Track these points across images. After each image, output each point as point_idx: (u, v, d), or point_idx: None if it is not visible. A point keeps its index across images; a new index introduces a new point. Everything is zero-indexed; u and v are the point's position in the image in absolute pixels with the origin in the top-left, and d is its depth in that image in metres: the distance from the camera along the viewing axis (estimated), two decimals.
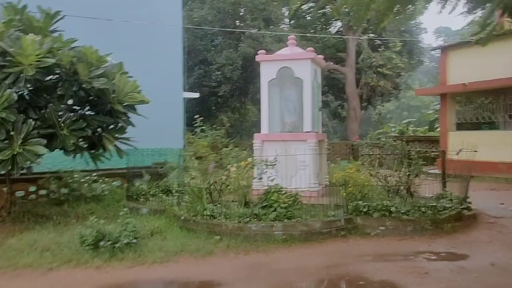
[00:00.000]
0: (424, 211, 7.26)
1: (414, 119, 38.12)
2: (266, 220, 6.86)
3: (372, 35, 26.30)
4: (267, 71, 9.45)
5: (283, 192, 7.36)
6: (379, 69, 23.43)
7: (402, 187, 8.17)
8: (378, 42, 26.60)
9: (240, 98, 28.41)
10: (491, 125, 16.27)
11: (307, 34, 23.93)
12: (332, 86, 30.51)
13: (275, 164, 7.70)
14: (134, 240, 5.95)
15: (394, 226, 7.07)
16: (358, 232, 7.03)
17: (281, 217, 6.91)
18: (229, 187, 8.15)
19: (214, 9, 21.77)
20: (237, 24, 22.27)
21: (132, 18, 12.59)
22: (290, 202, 7.18)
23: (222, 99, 27.30)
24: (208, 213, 7.13)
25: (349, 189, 8.45)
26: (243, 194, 8.08)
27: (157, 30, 13.14)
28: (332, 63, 25.98)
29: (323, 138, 9.99)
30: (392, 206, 7.24)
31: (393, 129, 34.43)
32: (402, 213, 7.16)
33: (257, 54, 9.62)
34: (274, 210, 7.04)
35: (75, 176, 9.62)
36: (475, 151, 8.00)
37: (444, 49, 17.14)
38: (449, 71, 16.66)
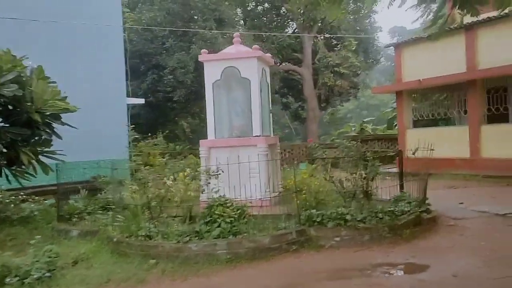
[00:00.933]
0: (381, 217, 6.71)
1: (373, 118, 38.44)
2: (208, 238, 6.10)
3: (327, 35, 26.10)
4: (211, 72, 8.72)
5: (228, 204, 6.64)
6: (335, 69, 23.15)
7: (358, 191, 7.63)
8: (334, 41, 26.42)
9: (198, 102, 27.47)
10: (447, 121, 16.18)
11: (262, 33, 23.36)
12: (291, 87, 30.14)
13: (219, 174, 6.95)
14: (48, 274, 5.04)
15: (350, 235, 6.47)
16: (311, 244, 6.38)
17: (226, 234, 6.18)
18: (170, 200, 7.36)
19: (164, 10, 20.79)
20: (190, 25, 21.38)
21: (68, 21, 11.57)
22: (236, 216, 6.47)
23: (180, 105, 26.32)
24: (144, 233, 6.30)
25: (303, 196, 7.88)
26: (188, 208, 7.32)
27: (96, 34, 12.14)
28: (290, 64, 25.59)
29: (275, 141, 9.35)
30: (348, 213, 6.64)
31: (353, 129, 34.51)
32: (358, 220, 6.58)
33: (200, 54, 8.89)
34: (219, 226, 6.30)
35: None
36: (432, 150, 7.57)
37: (398, 46, 16.95)
38: (404, 68, 16.47)
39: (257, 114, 8.51)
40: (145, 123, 26.75)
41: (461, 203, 8.85)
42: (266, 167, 8.29)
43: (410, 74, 16.02)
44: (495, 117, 13.94)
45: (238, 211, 6.58)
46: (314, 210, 6.90)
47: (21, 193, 8.86)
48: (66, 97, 7.38)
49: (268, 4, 27.96)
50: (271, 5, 27.93)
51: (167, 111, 28.38)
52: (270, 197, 8.09)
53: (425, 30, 13.02)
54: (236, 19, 26.57)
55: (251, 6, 28.47)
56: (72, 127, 7.54)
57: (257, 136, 8.48)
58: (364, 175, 7.56)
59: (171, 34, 21.81)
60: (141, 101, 15.96)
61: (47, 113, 7.01)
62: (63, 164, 8.06)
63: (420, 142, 7.67)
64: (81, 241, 6.98)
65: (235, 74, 8.64)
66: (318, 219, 6.61)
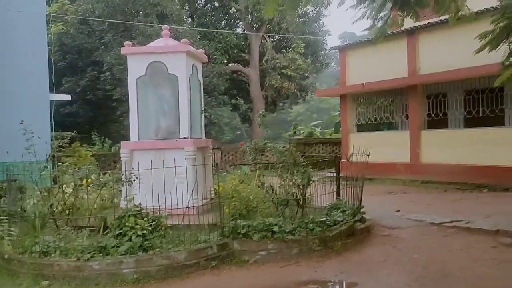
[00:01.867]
0: (312, 228, 6.19)
1: (322, 121, 38.67)
2: (114, 255, 5.33)
3: (275, 36, 25.79)
4: (135, 67, 7.92)
5: (143, 214, 5.89)
6: (283, 71, 22.81)
7: (291, 199, 7.10)
8: (283, 43, 26.13)
9: None
10: (390, 126, 16.18)
11: (207, 30, 22.62)
12: (240, 89, 29.60)
13: (131, 180, 6.19)
14: None
15: (277, 249, 5.90)
16: (234, 260, 5.76)
17: (136, 249, 5.42)
18: (80, 209, 6.51)
19: (102, 2, 19.58)
20: (130, 20, 20.28)
21: None
22: (150, 228, 5.73)
23: (122, 103, 25.00)
24: (39, 249, 5.42)
25: (233, 204, 7.28)
26: (101, 218, 6.50)
27: (12, 23, 10.93)
28: (237, 65, 25.02)
29: (206, 144, 8.66)
30: (276, 224, 6.08)
31: (301, 132, 34.44)
32: (287, 232, 6.02)
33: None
34: (129, 240, 5.54)
35: None
36: (368, 155, 7.19)
37: (343, 49, 16.78)
38: (348, 71, 16.31)
39: (185, 114, 7.80)
40: (83, 122, 25.25)
41: (398, 210, 8.56)
42: (193, 172, 7.57)
43: (355, 77, 15.88)
44: (435, 123, 14.01)
45: (154, 222, 5.86)
46: (241, 221, 6.31)
47: None
48: None
49: (217, 2, 27.29)
50: (220, 4, 27.28)
51: (108, 110, 26.95)
52: (197, 205, 7.40)
53: (370, 33, 12.85)
54: (184, 16, 25.67)
55: (200, 4, 27.65)
56: None
57: (185, 138, 7.76)
58: (296, 182, 7.06)
59: (111, 28, 20.62)
60: (67, 97, 14.74)
61: None
62: None
63: (362, 146, 7.31)
64: None
65: (162, 70, 7.89)
66: (243, 231, 6.00)
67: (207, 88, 21.75)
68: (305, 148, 20.00)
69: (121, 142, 7.91)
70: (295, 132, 23.06)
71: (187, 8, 27.43)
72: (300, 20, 26.98)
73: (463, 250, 6.05)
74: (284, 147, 7.49)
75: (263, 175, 7.61)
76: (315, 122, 38.66)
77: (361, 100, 16.32)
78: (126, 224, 5.67)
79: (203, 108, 8.68)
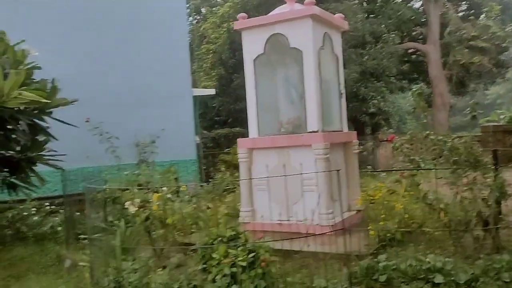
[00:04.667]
0: (508, 279, 3.59)
1: None
2: None
3: (462, 3, 21.27)
4: (251, 44, 6.26)
5: (241, 241, 4.23)
6: (471, 43, 18.41)
7: (473, 223, 4.53)
8: (471, 10, 21.39)
9: None
10: None
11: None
12: (421, 71, 25.73)
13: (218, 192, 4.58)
14: None
15: None
16: None
17: None
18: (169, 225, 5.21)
19: None
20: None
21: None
22: (244, 264, 4.01)
23: None
24: (107, 284, 4.24)
25: (380, 223, 5.17)
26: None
27: (154, 15, 10.68)
28: (411, 42, 21.51)
29: (348, 138, 6.51)
30: (440, 270, 3.68)
31: (502, 117, 28.25)
32: (460, 284, 3.58)
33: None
34: (213, 281, 3.94)
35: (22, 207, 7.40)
36: None
37: None
38: None
39: (313, 100, 5.81)
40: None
41: None
42: (326, 178, 5.57)
43: None
44: None
45: (252, 255, 4.12)
46: (384, 256, 4.11)
47: (46, 203, 7.62)
48: (55, 86, 5.71)
49: None
50: None
51: None
52: (333, 223, 5.40)
53: None
54: None
55: None
56: (66, 123, 5.87)
57: (313, 131, 5.80)
58: (480, 194, 4.46)
59: None
60: (211, 91, 14.18)
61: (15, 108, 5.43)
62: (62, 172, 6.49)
63: None
64: (63, 277, 5.27)
65: (283, 44, 6.07)
66: (383, 278, 3.79)
67: (375, 71, 19.05)
68: (505, 137, 15.56)
69: (238, 139, 6.38)
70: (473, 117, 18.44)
71: None
72: None
73: None
74: (457, 138, 4.88)
75: (426, 181, 5.15)
76: None
77: None
78: (213, 256, 4.09)
79: (342, 91, 6.54)
